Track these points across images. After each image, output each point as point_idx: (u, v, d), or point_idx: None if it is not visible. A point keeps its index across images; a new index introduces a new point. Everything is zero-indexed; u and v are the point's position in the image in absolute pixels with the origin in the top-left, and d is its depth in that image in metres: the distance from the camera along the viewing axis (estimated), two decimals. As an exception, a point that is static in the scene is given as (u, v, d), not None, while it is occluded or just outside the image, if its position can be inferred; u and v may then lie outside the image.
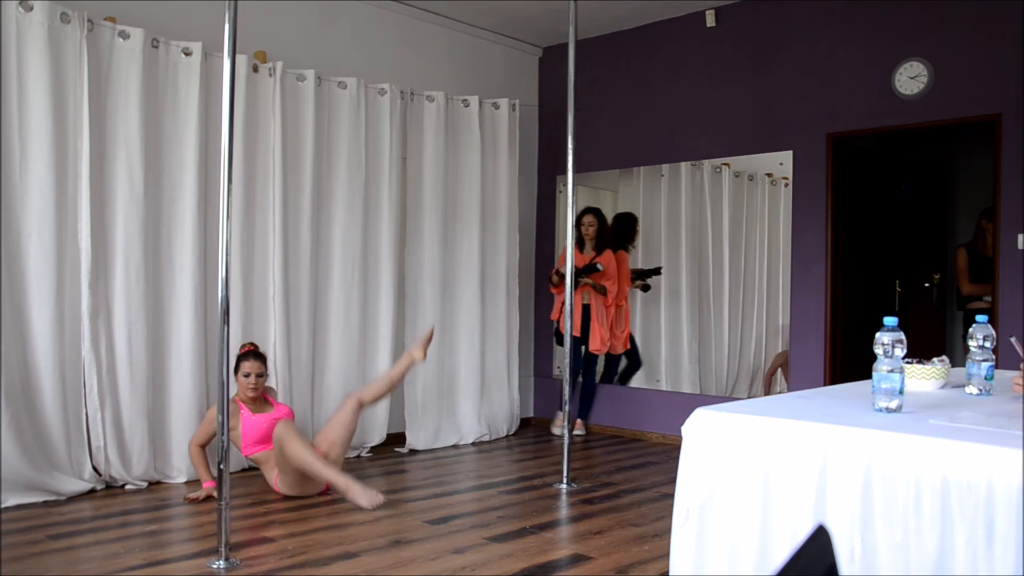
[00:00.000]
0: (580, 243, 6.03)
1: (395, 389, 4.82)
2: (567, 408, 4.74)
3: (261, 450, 4.36)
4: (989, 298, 5.04)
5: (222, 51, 3.31)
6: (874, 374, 1.90)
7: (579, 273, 5.76)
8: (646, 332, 6.34)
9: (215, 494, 3.48)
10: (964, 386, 2.34)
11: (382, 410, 5.53)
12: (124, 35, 4.42)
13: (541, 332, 6.84)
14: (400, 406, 5.73)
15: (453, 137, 5.98)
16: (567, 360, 4.78)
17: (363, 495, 3.90)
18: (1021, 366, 2.21)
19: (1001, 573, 1.42)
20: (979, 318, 2.35)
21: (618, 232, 6.25)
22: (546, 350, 6.83)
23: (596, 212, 6.17)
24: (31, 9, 4.10)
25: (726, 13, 5.88)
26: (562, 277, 5.64)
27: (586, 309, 5.98)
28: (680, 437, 1.89)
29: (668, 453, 5.60)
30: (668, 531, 2.03)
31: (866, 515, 1.58)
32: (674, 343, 6.19)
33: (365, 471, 5.03)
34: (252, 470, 4.84)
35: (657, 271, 6.06)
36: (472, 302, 6.03)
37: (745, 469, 1.75)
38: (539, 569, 3.25)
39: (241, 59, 4.77)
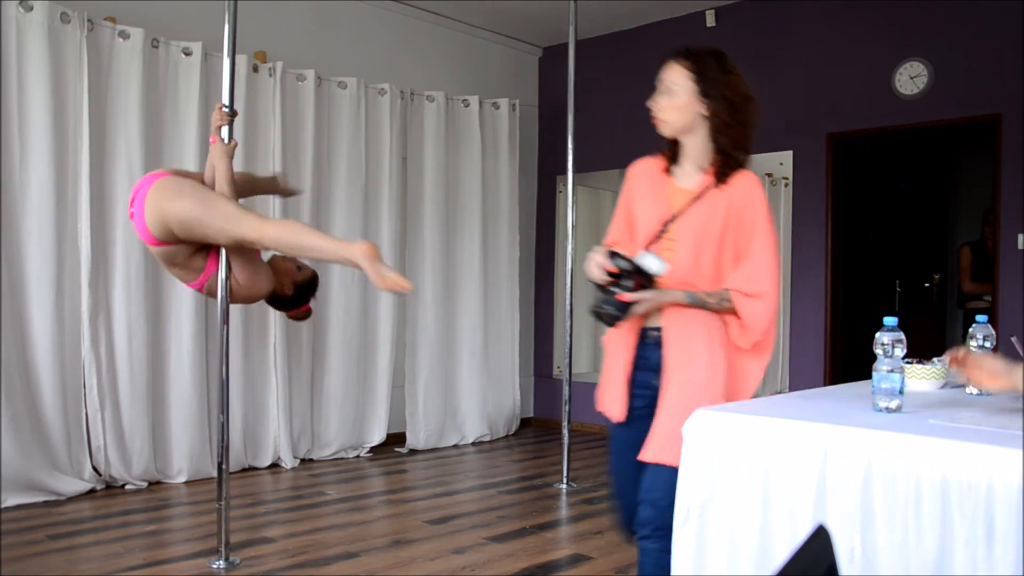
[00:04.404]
0: None
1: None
2: (567, 408, 4.74)
3: None
4: (989, 297, 5.05)
5: (222, 51, 3.31)
6: (874, 374, 1.90)
7: None
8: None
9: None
10: (964, 386, 2.34)
11: (382, 410, 5.53)
12: (124, 35, 4.41)
13: (541, 332, 6.84)
14: (400, 406, 5.72)
15: (453, 137, 5.98)
16: (567, 360, 4.77)
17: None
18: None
19: (1001, 573, 1.42)
20: (979, 318, 2.34)
21: None
22: (546, 350, 6.82)
23: None
24: (31, 9, 4.10)
25: (726, 13, 5.88)
26: None
27: None
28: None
29: (668, 453, 5.58)
30: (668, 531, 2.03)
31: (866, 515, 1.58)
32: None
33: (365, 471, 5.03)
34: (253, 470, 4.84)
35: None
36: (473, 302, 6.03)
37: (745, 469, 1.75)
38: (539, 569, 3.26)
39: (241, 59, 4.77)
